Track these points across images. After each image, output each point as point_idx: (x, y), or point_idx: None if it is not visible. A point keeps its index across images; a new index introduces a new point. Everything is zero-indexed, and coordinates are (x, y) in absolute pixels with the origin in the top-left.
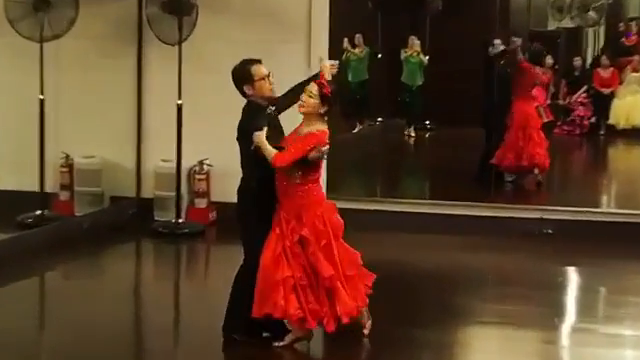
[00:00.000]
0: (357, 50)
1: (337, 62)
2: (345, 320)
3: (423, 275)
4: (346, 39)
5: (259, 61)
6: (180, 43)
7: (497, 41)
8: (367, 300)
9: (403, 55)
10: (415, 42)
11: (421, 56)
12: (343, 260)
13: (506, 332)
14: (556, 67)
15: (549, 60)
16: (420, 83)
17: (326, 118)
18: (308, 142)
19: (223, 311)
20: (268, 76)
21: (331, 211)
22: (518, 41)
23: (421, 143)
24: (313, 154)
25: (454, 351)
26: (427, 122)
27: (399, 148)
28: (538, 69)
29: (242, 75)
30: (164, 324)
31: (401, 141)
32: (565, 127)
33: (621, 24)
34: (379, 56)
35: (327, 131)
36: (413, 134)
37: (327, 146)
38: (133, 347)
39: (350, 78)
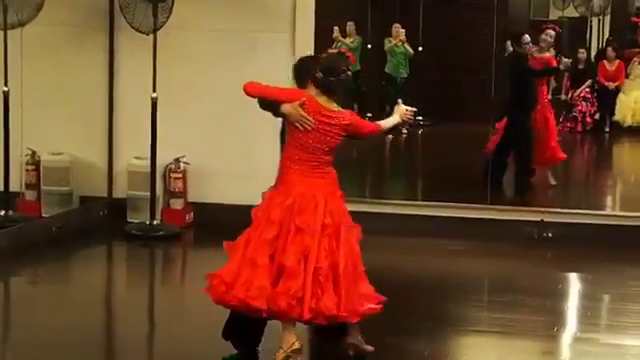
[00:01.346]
0: (348, 40)
1: (414, 109)
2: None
3: (415, 281)
4: (336, 28)
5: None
6: (155, 32)
7: (526, 37)
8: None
9: (387, 45)
10: (400, 31)
11: (406, 46)
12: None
13: (503, 342)
14: (558, 59)
15: (551, 52)
16: (406, 75)
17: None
18: None
19: (201, 319)
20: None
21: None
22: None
23: (414, 140)
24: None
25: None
26: (420, 118)
27: (390, 145)
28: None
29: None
30: (137, 333)
31: (393, 138)
32: (567, 124)
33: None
34: (369, 46)
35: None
36: (405, 130)
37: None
38: (104, 359)
39: None
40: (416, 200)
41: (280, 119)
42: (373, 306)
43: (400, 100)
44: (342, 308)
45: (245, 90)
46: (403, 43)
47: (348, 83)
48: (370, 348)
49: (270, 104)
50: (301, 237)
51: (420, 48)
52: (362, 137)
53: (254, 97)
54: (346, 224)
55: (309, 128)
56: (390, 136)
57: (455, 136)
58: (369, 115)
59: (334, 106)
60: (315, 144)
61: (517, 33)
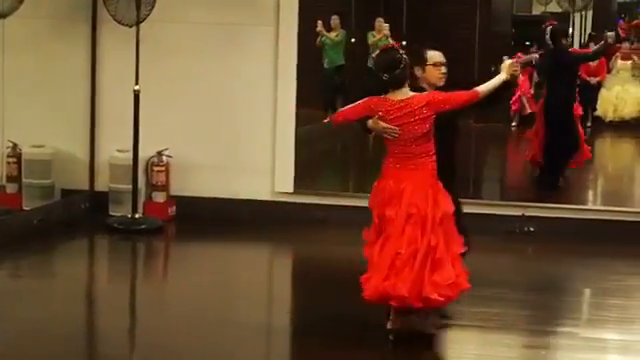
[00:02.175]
0: (332, 34)
1: (517, 62)
2: None
3: None
4: (320, 22)
5: (435, 47)
6: (138, 24)
7: (610, 33)
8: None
9: (371, 39)
10: (383, 25)
11: (390, 40)
12: None
13: (483, 335)
14: (541, 53)
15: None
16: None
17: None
18: None
19: (183, 313)
20: (443, 64)
21: None
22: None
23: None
24: None
25: (429, 356)
26: None
27: (371, 139)
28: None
29: (414, 55)
30: (119, 326)
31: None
32: None
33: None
34: (353, 40)
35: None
36: None
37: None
38: (86, 353)
39: (326, 64)
40: None
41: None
42: (437, 297)
43: (506, 57)
44: (410, 292)
45: (334, 124)
46: (387, 38)
47: (407, 67)
48: (433, 330)
49: (361, 125)
50: (385, 226)
51: (404, 42)
52: (459, 108)
53: (342, 124)
54: (437, 213)
55: (396, 136)
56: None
57: None
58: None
59: (404, 94)
60: (401, 137)
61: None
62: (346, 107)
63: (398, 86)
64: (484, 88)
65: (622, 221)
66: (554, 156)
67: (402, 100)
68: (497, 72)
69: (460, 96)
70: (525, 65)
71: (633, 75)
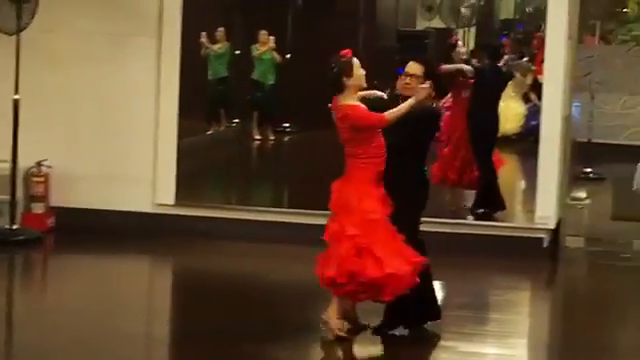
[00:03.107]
0: (216, 46)
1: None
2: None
3: (280, 288)
4: (204, 33)
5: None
6: (18, 32)
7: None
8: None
9: (255, 51)
10: (268, 38)
11: (274, 53)
12: None
13: (362, 349)
14: None
15: None
16: (273, 82)
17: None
18: None
19: (62, 325)
20: (408, 75)
21: None
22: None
23: (279, 147)
24: None
25: None
26: (287, 124)
27: (256, 151)
28: None
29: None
30: None
31: (259, 145)
32: None
33: None
34: (237, 52)
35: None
36: (272, 137)
37: None
38: None
39: (210, 75)
40: (281, 207)
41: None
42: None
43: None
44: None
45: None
46: (272, 50)
47: (332, 76)
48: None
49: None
50: None
51: (288, 55)
52: (365, 129)
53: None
54: (340, 211)
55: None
56: (256, 142)
57: (321, 143)
58: (236, 121)
59: (346, 100)
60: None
61: (493, 45)
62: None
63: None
64: (391, 114)
65: (504, 236)
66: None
67: (338, 106)
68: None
69: (369, 118)
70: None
71: (514, 91)
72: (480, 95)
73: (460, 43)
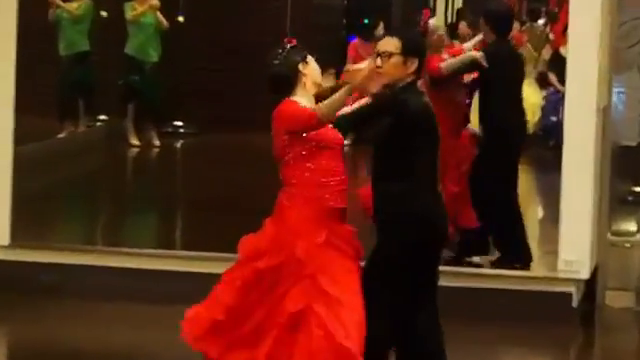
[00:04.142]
0: (72, 5)
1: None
2: None
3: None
4: None
5: None
6: None
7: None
8: None
9: (129, 12)
10: None
11: (159, 15)
12: None
13: None
14: None
15: None
16: (156, 59)
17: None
18: None
19: None
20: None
21: None
22: None
23: (168, 157)
24: None
25: None
26: (179, 123)
27: (132, 165)
28: None
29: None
30: None
31: (138, 154)
32: None
33: None
34: (103, 14)
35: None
36: (157, 142)
37: None
38: None
39: (62, 50)
40: (172, 249)
41: None
42: None
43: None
44: None
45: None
46: (154, 11)
47: (277, 72)
48: None
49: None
50: None
51: (180, 18)
52: (301, 132)
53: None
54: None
55: None
56: (133, 149)
57: (234, 151)
58: (102, 118)
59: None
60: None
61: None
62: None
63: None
64: (323, 107)
65: (509, 290)
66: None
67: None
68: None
69: (298, 116)
70: None
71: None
72: (494, 90)
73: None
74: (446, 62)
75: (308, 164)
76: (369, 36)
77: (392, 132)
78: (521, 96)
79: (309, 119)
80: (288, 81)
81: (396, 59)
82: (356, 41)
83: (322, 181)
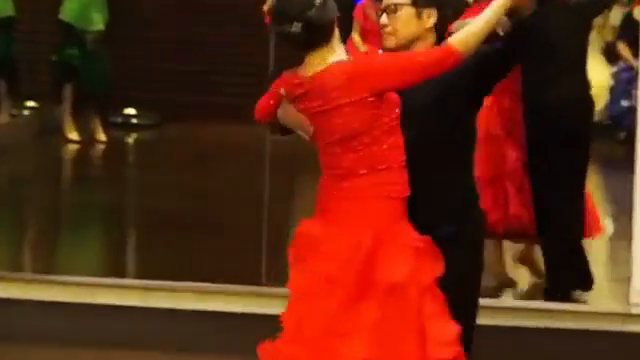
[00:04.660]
0: None
1: None
2: None
3: None
4: None
5: None
6: None
7: None
8: None
9: None
10: None
11: None
12: None
13: None
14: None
15: None
16: (101, 26)
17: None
18: None
19: None
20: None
21: None
22: None
23: (118, 156)
24: None
25: None
26: (133, 112)
27: (70, 166)
28: None
29: None
30: None
31: (78, 152)
32: None
33: None
34: None
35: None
36: (103, 136)
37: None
38: None
39: None
40: (122, 276)
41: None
42: None
43: None
44: None
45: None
46: None
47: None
48: None
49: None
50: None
51: None
52: (423, 78)
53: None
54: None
55: (307, 137)
56: (72, 144)
57: (208, 146)
58: (30, 105)
59: (321, 60)
60: (318, 139)
61: None
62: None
63: (310, 45)
64: (467, 35)
65: (563, 331)
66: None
67: (313, 74)
68: None
69: (424, 59)
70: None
71: None
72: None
73: None
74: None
75: (392, 139)
76: None
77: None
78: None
79: (447, 58)
80: (326, 31)
81: (406, 12)
82: (364, 2)
83: (403, 163)
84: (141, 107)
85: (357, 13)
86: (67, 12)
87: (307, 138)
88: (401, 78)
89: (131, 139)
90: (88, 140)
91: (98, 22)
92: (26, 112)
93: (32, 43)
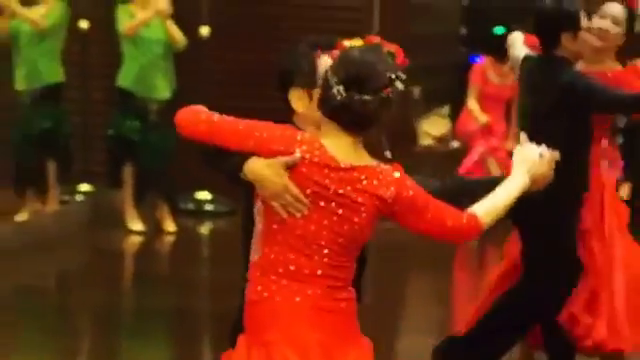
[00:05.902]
0: (38, 10)
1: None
2: None
3: None
4: None
5: None
6: None
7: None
8: None
9: (123, 23)
10: None
11: (172, 27)
12: None
13: None
14: None
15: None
16: (168, 95)
17: None
18: None
19: None
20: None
21: None
22: None
23: (187, 249)
24: None
25: None
26: (209, 197)
27: (128, 261)
28: None
29: None
30: None
31: (138, 242)
32: None
33: None
34: (83, 26)
35: None
36: (171, 227)
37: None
38: None
39: (19, 82)
40: None
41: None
42: None
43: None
44: None
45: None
46: (163, 19)
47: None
48: None
49: (219, 158)
50: None
51: (204, 30)
52: (437, 236)
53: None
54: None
55: (301, 213)
56: (135, 235)
57: None
58: (83, 190)
59: (361, 156)
60: (317, 236)
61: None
62: (222, 117)
63: (357, 129)
64: (488, 209)
65: None
66: None
67: (354, 166)
68: None
69: (452, 224)
70: None
71: None
72: None
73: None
74: None
75: None
76: (504, 52)
77: None
78: None
79: (470, 231)
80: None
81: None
82: (483, 62)
83: None
84: (216, 191)
85: (475, 75)
86: (125, 77)
87: (283, 215)
88: (422, 228)
89: (205, 229)
90: (154, 231)
91: (163, 90)
92: (79, 197)
93: (84, 114)
